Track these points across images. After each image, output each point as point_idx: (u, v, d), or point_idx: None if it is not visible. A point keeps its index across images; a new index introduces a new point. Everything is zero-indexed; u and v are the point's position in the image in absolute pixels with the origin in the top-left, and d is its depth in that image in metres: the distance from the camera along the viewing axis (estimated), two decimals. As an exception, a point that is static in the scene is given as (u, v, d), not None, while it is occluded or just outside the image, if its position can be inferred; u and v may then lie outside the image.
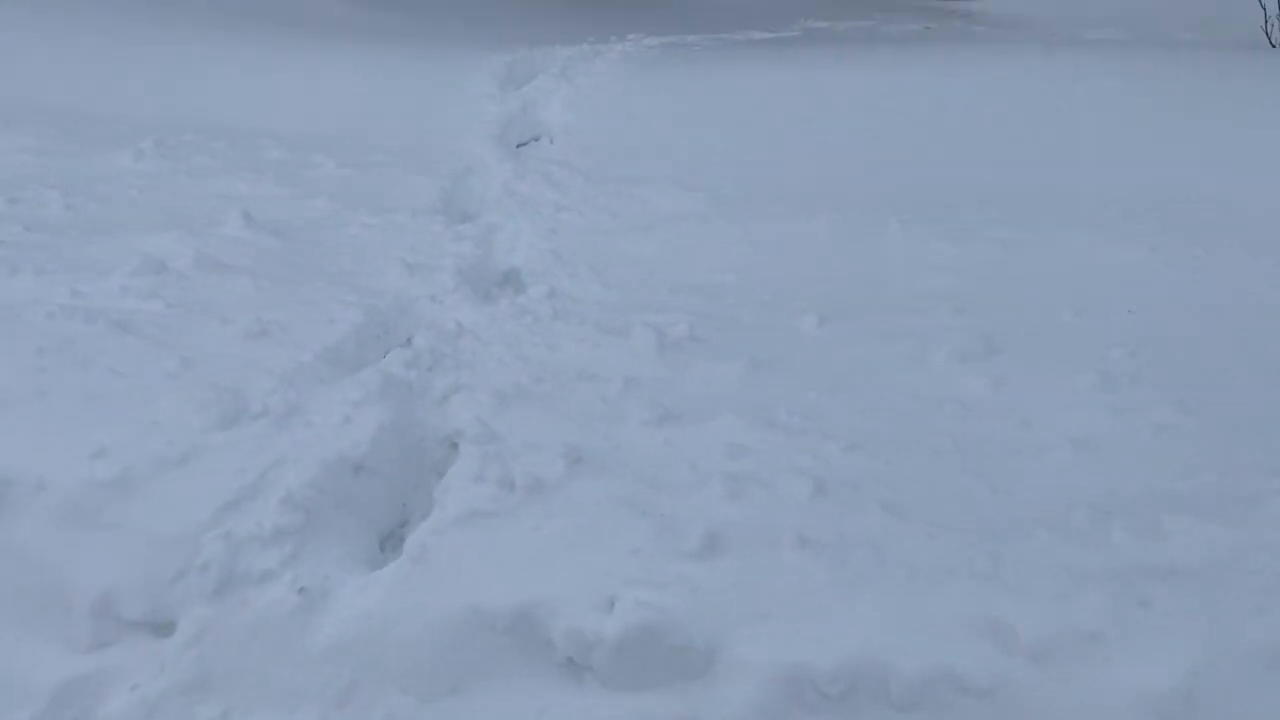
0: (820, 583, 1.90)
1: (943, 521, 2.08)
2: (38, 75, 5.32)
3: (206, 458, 2.24)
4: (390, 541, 2.26)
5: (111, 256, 3.20)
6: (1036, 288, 3.34)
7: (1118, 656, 1.76)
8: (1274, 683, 1.71)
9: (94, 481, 2.15)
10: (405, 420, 2.50)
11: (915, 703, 1.72)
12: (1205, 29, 6.95)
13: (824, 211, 3.95)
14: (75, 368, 2.51)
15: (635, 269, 3.48)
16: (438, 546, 2.04)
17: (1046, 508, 2.14)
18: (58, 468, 2.18)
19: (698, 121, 4.88)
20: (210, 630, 1.92)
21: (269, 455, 2.24)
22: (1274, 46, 6.50)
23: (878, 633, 1.79)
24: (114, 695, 1.87)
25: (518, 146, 4.92)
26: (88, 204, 3.77)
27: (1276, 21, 6.59)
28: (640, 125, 4.84)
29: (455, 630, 1.87)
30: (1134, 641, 1.78)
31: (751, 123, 4.91)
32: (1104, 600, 1.86)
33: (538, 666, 1.85)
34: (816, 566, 1.93)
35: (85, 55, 5.54)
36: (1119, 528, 2.05)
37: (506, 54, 5.76)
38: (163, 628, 1.97)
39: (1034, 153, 4.64)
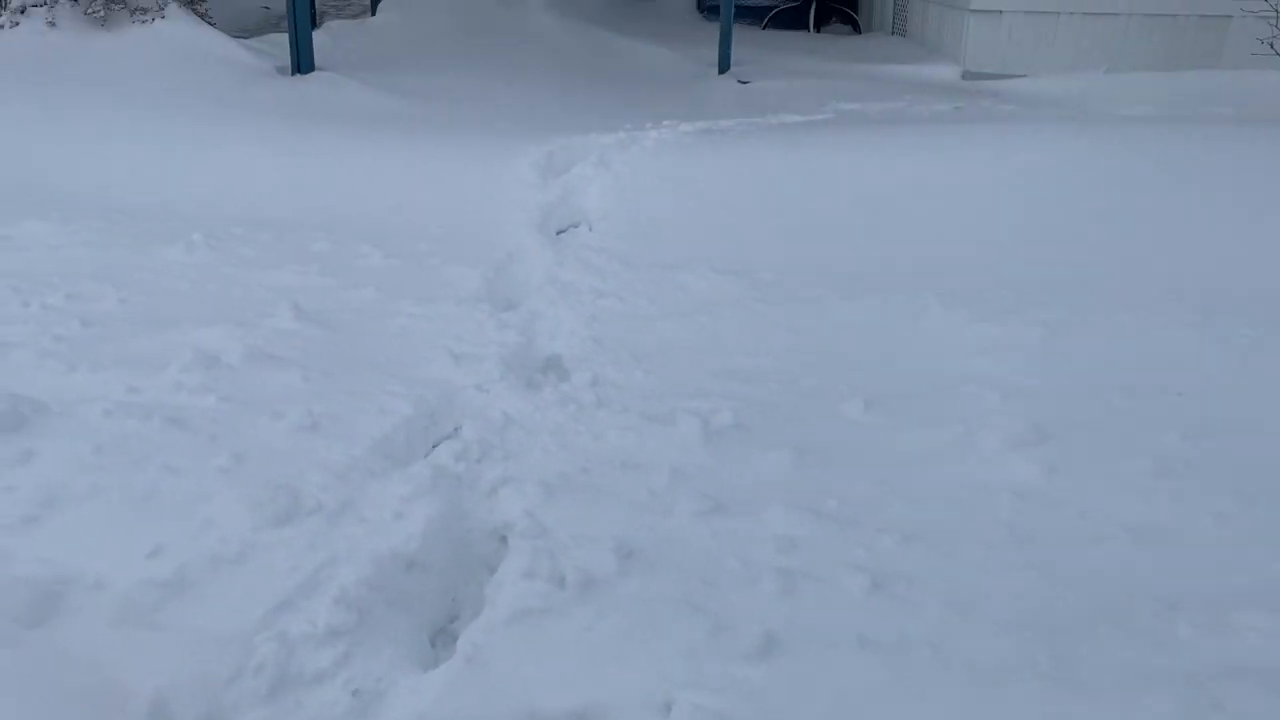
0: (882, 684, 1.86)
1: (1003, 618, 2.04)
2: (91, 170, 5.49)
3: (260, 556, 2.25)
4: (441, 637, 2.25)
5: (165, 351, 3.27)
6: (1083, 371, 3.32)
7: (1193, 762, 1.70)
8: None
9: (149, 581, 2.16)
10: (455, 514, 2.50)
11: (984, 812, 1.67)
12: (1241, 104, 6.98)
13: (863, 294, 3.96)
14: (131, 465, 2.55)
15: (676, 355, 3.49)
16: (490, 646, 2.03)
17: (1109, 602, 2.10)
18: (113, 567, 2.20)
19: (733, 206, 4.94)
20: (264, 734, 1.91)
21: (322, 553, 2.25)
22: (1309, 120, 6.50)
23: (943, 738, 1.75)
24: (168, 801, 1.86)
25: (558, 233, 4.99)
26: (141, 297, 3.85)
27: (1310, 95, 6.63)
28: (676, 210, 4.90)
29: (510, 734, 1.85)
30: (1209, 746, 1.72)
31: (786, 206, 4.96)
32: (1174, 701, 1.81)
33: (594, 772, 1.82)
34: (877, 667, 1.90)
35: (134, 152, 5.71)
36: (1186, 623, 2.01)
37: (546, 143, 5.86)
38: (217, 731, 1.96)
39: (1069, 233, 4.63)
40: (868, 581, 2.13)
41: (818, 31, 10.64)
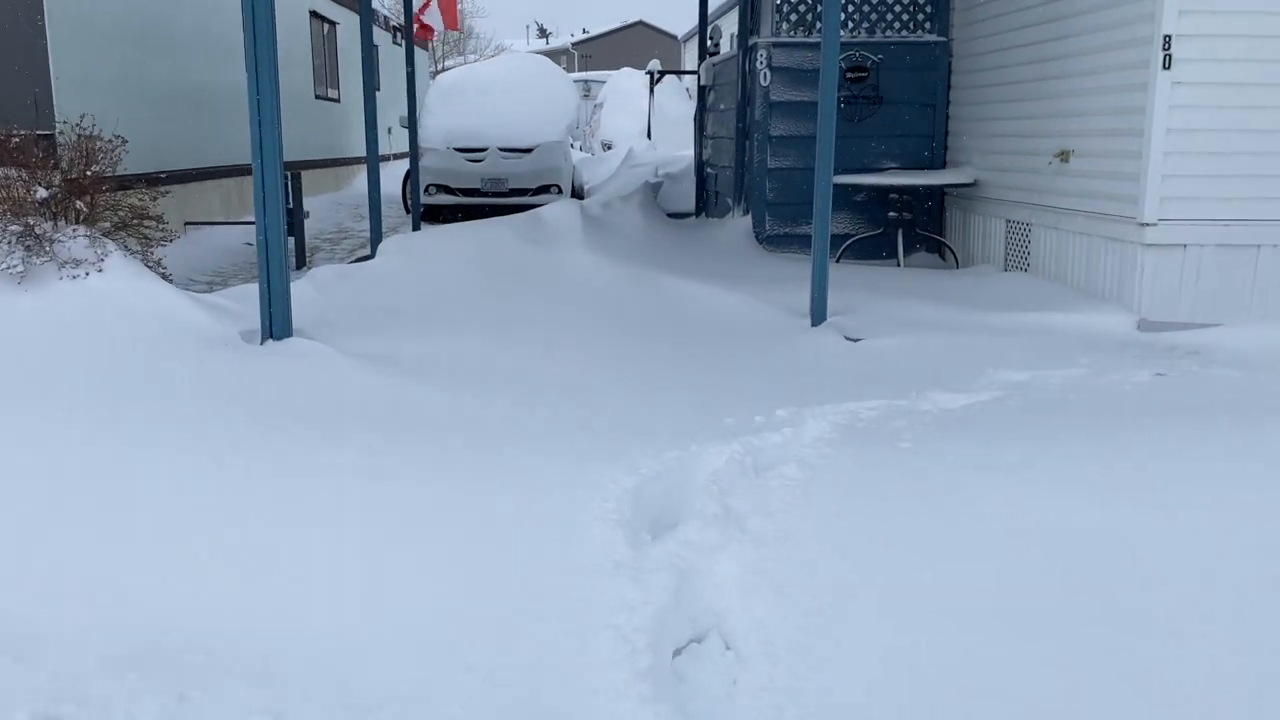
0: None
1: None
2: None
3: None
4: None
5: None
6: None
7: None
8: None
9: None
10: None
11: None
12: None
13: None
14: None
15: None
16: None
17: None
18: None
19: (992, 636, 2.78)
20: None
21: None
22: None
23: None
24: None
25: (675, 654, 2.87)
26: None
27: None
28: (901, 639, 2.76)
29: None
30: None
31: (1105, 626, 2.82)
32: None
33: None
34: None
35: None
36: None
37: (623, 465, 3.81)
38: None
39: None
40: None
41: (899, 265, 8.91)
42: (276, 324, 5.92)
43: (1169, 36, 5.94)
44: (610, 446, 4.12)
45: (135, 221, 7.02)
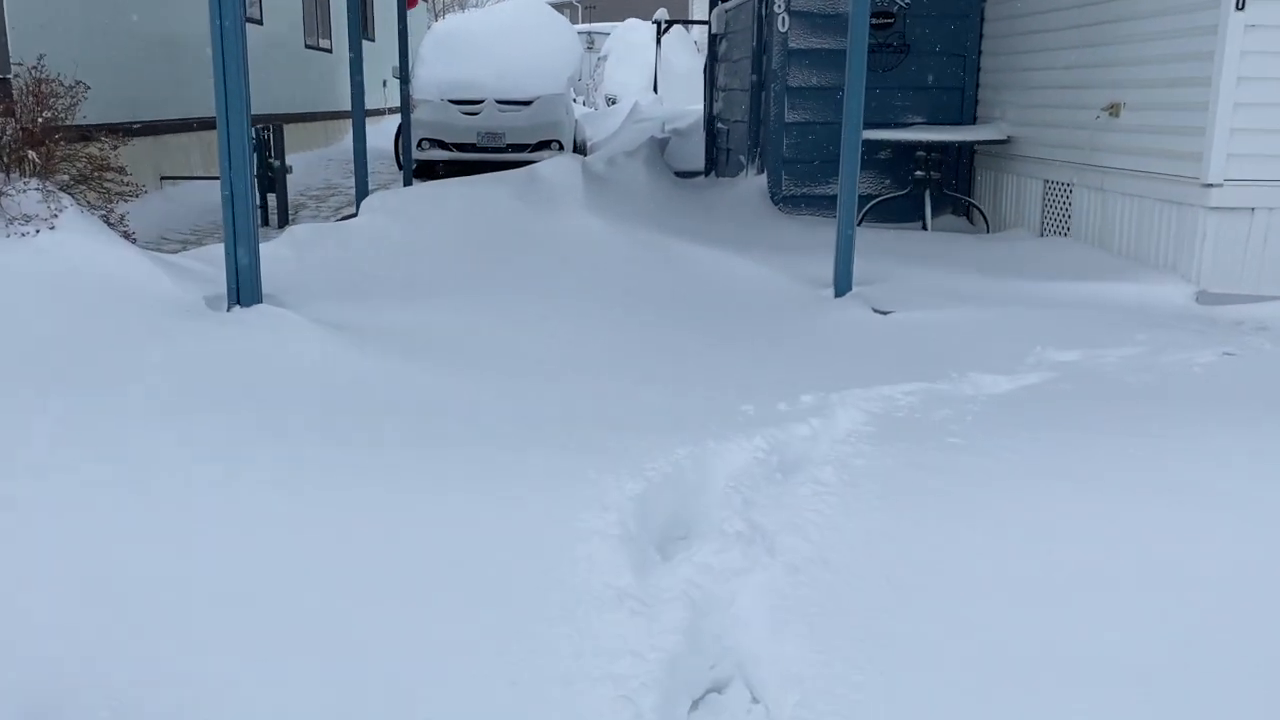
0: None
1: None
2: None
3: None
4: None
5: None
6: None
7: None
8: None
9: None
10: None
11: None
12: None
13: None
14: None
15: None
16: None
17: None
18: None
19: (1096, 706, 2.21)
20: None
21: None
22: None
23: None
24: None
25: (690, 709, 2.32)
26: None
27: None
28: (966, 698, 2.21)
29: None
30: None
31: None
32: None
33: None
34: None
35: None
36: None
37: (628, 465, 3.25)
38: None
39: None
40: None
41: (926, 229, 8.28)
42: (244, 289, 5.35)
43: (1244, -28, 5.28)
44: (612, 441, 3.54)
45: (95, 174, 6.41)
